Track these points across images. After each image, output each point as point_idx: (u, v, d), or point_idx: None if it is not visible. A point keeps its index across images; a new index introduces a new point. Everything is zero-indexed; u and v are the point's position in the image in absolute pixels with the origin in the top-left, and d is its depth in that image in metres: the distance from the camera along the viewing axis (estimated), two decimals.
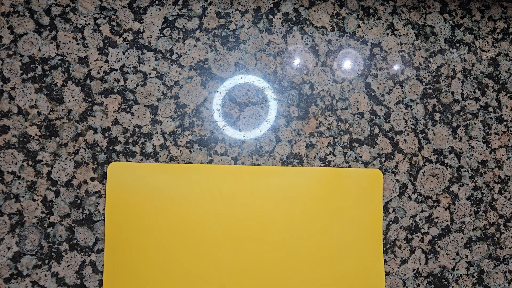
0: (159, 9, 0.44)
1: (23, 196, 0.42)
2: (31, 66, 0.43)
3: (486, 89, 0.48)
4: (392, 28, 0.47)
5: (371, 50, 0.47)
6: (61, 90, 0.43)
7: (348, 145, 0.46)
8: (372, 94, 0.46)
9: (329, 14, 0.46)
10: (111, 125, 0.43)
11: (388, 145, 0.46)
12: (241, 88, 0.45)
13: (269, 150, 0.45)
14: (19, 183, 0.42)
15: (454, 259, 0.46)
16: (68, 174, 0.42)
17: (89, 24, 0.44)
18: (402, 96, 0.47)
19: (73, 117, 0.43)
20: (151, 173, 0.43)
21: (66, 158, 0.42)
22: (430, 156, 0.47)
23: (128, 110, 0.44)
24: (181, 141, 0.44)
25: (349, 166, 0.45)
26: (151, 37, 0.44)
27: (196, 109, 0.44)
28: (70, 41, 0.43)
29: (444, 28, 0.48)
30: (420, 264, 0.46)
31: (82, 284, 0.42)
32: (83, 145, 0.43)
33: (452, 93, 0.47)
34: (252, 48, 0.45)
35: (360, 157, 0.46)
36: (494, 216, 0.47)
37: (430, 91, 0.47)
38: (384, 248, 0.45)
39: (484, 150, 0.47)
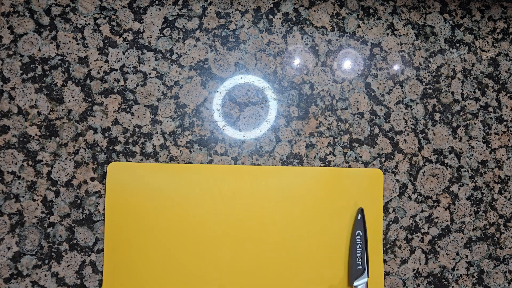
0: (159, 9, 0.44)
1: (23, 196, 0.42)
2: (31, 66, 0.43)
3: (486, 89, 0.48)
4: (392, 28, 0.47)
5: (371, 50, 0.47)
6: (61, 90, 0.43)
7: (348, 145, 0.46)
8: (372, 94, 0.46)
9: (329, 14, 0.46)
10: (111, 125, 0.43)
11: (388, 145, 0.46)
12: (241, 88, 0.45)
13: (269, 150, 0.45)
14: (19, 183, 0.42)
15: (454, 259, 0.46)
16: (68, 174, 0.42)
17: (89, 24, 0.44)
18: (402, 96, 0.47)
19: (73, 117, 0.43)
20: (150, 173, 0.43)
21: (66, 158, 0.42)
22: (430, 156, 0.47)
23: (128, 110, 0.44)
24: (181, 141, 0.44)
25: (349, 166, 0.45)
26: (151, 37, 0.44)
27: (196, 109, 0.44)
28: (70, 41, 0.43)
29: (444, 28, 0.48)
30: (420, 264, 0.46)
31: (82, 284, 0.42)
32: (83, 145, 0.43)
33: (452, 93, 0.47)
34: (252, 48, 0.45)
35: (360, 157, 0.46)
36: (494, 216, 0.47)
37: (430, 91, 0.47)
38: (384, 248, 0.45)
39: (484, 150, 0.47)
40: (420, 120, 0.47)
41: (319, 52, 0.46)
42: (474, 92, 0.48)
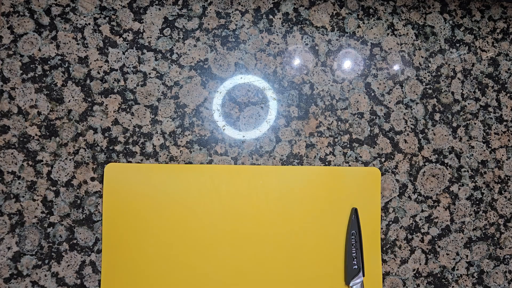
0: (159, 9, 0.44)
1: (23, 196, 0.42)
2: (31, 66, 0.43)
3: (486, 89, 0.48)
4: (392, 28, 0.47)
5: (371, 50, 0.47)
6: (61, 90, 0.43)
7: (348, 145, 0.46)
8: (372, 94, 0.46)
9: (329, 14, 0.46)
10: (111, 125, 0.43)
11: (388, 145, 0.46)
12: (241, 88, 0.45)
13: (269, 150, 0.45)
14: (19, 183, 0.42)
15: (454, 259, 0.46)
16: (68, 174, 0.42)
17: (89, 24, 0.44)
18: (402, 96, 0.47)
19: (73, 117, 0.43)
20: (148, 173, 0.43)
21: (66, 158, 0.42)
22: (430, 156, 0.47)
23: (128, 110, 0.44)
24: (181, 141, 0.44)
25: (349, 166, 0.45)
26: (151, 37, 0.44)
27: (196, 109, 0.44)
28: (70, 41, 0.43)
29: (444, 28, 0.48)
30: (420, 264, 0.46)
31: (82, 284, 0.42)
32: (83, 145, 0.43)
33: (452, 93, 0.47)
34: (252, 48, 0.45)
35: (360, 157, 0.46)
36: (494, 216, 0.47)
37: (430, 91, 0.47)
38: (384, 248, 0.45)
39: (484, 150, 0.47)
40: (420, 120, 0.47)
41: (319, 52, 0.46)
42: (474, 92, 0.48)
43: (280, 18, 0.46)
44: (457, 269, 0.46)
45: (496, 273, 0.47)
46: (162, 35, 0.44)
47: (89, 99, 0.43)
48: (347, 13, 0.47)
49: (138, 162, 0.43)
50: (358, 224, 0.44)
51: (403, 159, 0.46)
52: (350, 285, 0.43)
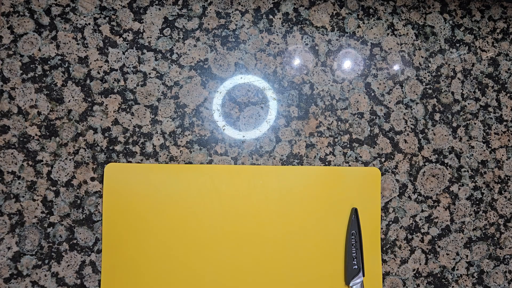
0: (159, 9, 0.44)
1: (23, 196, 0.42)
2: (31, 66, 0.43)
3: (486, 89, 0.48)
4: (392, 28, 0.47)
5: (371, 50, 0.47)
6: (61, 90, 0.43)
7: (348, 145, 0.46)
8: (372, 94, 0.46)
9: (329, 14, 0.46)
10: (111, 125, 0.43)
11: (388, 145, 0.46)
12: (241, 88, 0.45)
13: (269, 150, 0.45)
14: (19, 183, 0.42)
15: (454, 259, 0.46)
16: (68, 174, 0.42)
17: (89, 24, 0.44)
18: (402, 96, 0.47)
19: (73, 117, 0.43)
20: (148, 173, 0.43)
21: (66, 158, 0.42)
22: (430, 156, 0.47)
23: (128, 110, 0.44)
24: (181, 141, 0.44)
25: (349, 166, 0.45)
26: (151, 37, 0.44)
27: (196, 109, 0.44)
28: (70, 41, 0.43)
29: (444, 28, 0.48)
30: (420, 264, 0.46)
31: (82, 284, 0.42)
32: (83, 145, 0.43)
33: (452, 93, 0.47)
34: (252, 48, 0.45)
35: (360, 157, 0.46)
36: (494, 216, 0.47)
37: (430, 91, 0.47)
38: (384, 248, 0.45)
39: (484, 150, 0.47)
40: (420, 120, 0.47)
41: (319, 52, 0.46)
42: (474, 92, 0.48)
43: (280, 18, 0.46)
44: (457, 269, 0.46)
45: (496, 273, 0.47)
46: (162, 35, 0.44)
47: (89, 99, 0.43)
48: (347, 13, 0.47)
49: (138, 162, 0.43)
50: (358, 224, 0.44)
51: (403, 159, 0.46)
52: (350, 285, 0.43)
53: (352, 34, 0.47)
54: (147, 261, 0.42)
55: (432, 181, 0.46)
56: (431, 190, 0.46)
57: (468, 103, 0.47)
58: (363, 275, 0.43)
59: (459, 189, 0.47)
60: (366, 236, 0.44)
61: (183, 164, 0.43)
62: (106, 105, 0.43)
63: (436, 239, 0.46)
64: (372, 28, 0.47)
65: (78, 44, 0.43)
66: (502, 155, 0.48)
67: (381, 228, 0.45)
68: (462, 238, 0.46)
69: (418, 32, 0.47)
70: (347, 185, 0.45)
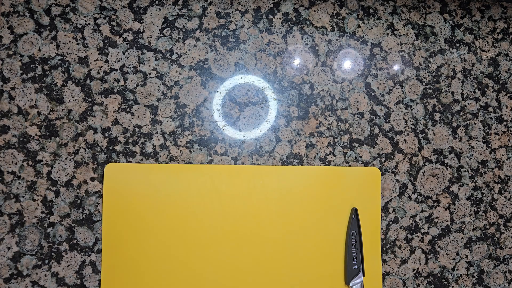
0: (159, 9, 0.44)
1: (23, 196, 0.42)
2: (31, 66, 0.43)
3: (486, 89, 0.48)
4: (392, 28, 0.47)
5: (371, 50, 0.47)
6: (61, 90, 0.43)
7: (348, 145, 0.46)
8: (372, 94, 0.46)
9: (329, 14, 0.46)
10: (111, 125, 0.43)
11: (388, 145, 0.46)
12: (241, 88, 0.45)
13: (269, 150, 0.45)
14: (19, 183, 0.42)
15: (454, 259, 0.46)
16: (68, 174, 0.42)
17: (89, 24, 0.44)
18: (402, 96, 0.47)
19: (73, 117, 0.43)
20: (148, 173, 0.43)
21: (66, 158, 0.42)
22: (430, 156, 0.47)
23: (128, 110, 0.44)
24: (181, 141, 0.44)
25: (349, 166, 0.45)
26: (151, 37, 0.44)
27: (196, 109, 0.44)
28: (70, 41, 0.43)
29: (444, 28, 0.48)
30: (420, 264, 0.46)
31: (82, 284, 0.42)
32: (83, 145, 0.43)
33: (452, 93, 0.47)
34: (252, 48, 0.45)
35: (360, 157, 0.46)
36: (494, 216, 0.47)
37: (430, 91, 0.47)
38: (384, 248, 0.45)
39: (484, 150, 0.47)
40: (420, 120, 0.47)
41: (319, 52, 0.46)
42: (474, 92, 0.48)
43: (280, 18, 0.46)
44: (457, 269, 0.46)
45: (496, 273, 0.47)
46: (162, 35, 0.44)
47: (89, 99, 0.43)
48: (347, 13, 0.47)
49: (138, 162, 0.43)
50: (358, 224, 0.44)
51: (403, 159, 0.46)
52: (350, 285, 0.43)
53: (352, 34, 0.47)
54: (147, 261, 0.42)
55: (432, 181, 0.46)
56: (431, 190, 0.46)
57: (468, 103, 0.47)
58: (363, 275, 0.43)
59: (459, 189, 0.47)
60: (366, 236, 0.44)
61: (183, 164, 0.43)
62: (106, 105, 0.43)
63: (436, 239, 0.46)
64: (372, 28, 0.47)
65: (78, 44, 0.43)
66: (502, 155, 0.48)
67: (381, 228, 0.45)
68: (462, 238, 0.46)
69: (418, 32, 0.47)
70: (347, 185, 0.45)
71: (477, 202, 0.47)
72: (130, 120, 0.43)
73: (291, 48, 0.46)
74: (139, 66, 0.44)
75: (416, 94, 0.47)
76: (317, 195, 0.44)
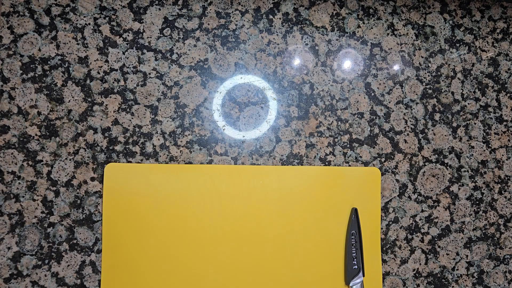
0: (159, 9, 0.44)
1: (23, 196, 0.42)
2: (31, 66, 0.43)
3: (486, 89, 0.48)
4: (392, 28, 0.47)
5: (371, 50, 0.47)
6: (61, 90, 0.43)
7: (348, 145, 0.46)
8: (372, 94, 0.46)
9: (329, 14, 0.46)
10: (111, 125, 0.43)
11: (388, 145, 0.46)
12: (241, 88, 0.45)
13: (269, 150, 0.45)
14: (19, 183, 0.42)
15: (454, 259, 0.46)
16: (68, 174, 0.42)
17: (89, 24, 0.44)
18: (402, 96, 0.47)
19: (73, 117, 0.43)
20: (148, 173, 0.43)
21: (66, 158, 0.42)
22: (430, 156, 0.47)
23: (128, 110, 0.44)
24: (181, 141, 0.44)
25: (349, 166, 0.45)
26: (151, 37, 0.44)
27: (196, 109, 0.44)
28: (70, 41, 0.43)
29: (444, 28, 0.48)
30: (420, 264, 0.46)
31: (82, 284, 0.42)
32: (83, 145, 0.43)
33: (452, 93, 0.47)
34: (252, 48, 0.45)
35: (360, 157, 0.46)
36: (494, 216, 0.47)
37: (430, 91, 0.47)
38: (384, 248, 0.45)
39: (484, 150, 0.47)
40: (420, 120, 0.47)
41: (319, 52, 0.46)
42: (474, 92, 0.48)
43: (280, 18, 0.46)
44: (457, 269, 0.46)
45: (496, 273, 0.47)
46: (162, 35, 0.44)
47: (89, 99, 0.43)
48: (347, 13, 0.47)
49: (138, 162, 0.43)
50: (358, 224, 0.44)
51: (403, 159, 0.46)
52: (350, 285, 0.43)
53: (352, 34, 0.47)
54: (147, 261, 0.42)
55: (432, 181, 0.46)
56: (431, 190, 0.46)
57: (468, 103, 0.47)
58: (363, 275, 0.43)
59: (459, 189, 0.47)
60: (366, 236, 0.44)
61: (183, 164, 0.43)
62: (106, 105, 0.43)
63: (436, 239, 0.46)
64: (372, 28, 0.47)
65: (78, 44, 0.43)
66: (502, 155, 0.48)
67: (381, 228, 0.45)
68: (462, 238, 0.46)
69: (418, 32, 0.47)
70: (347, 185, 0.45)
71: (477, 202, 0.47)
72: (130, 120, 0.43)
73: (291, 48, 0.46)
74: (139, 66, 0.44)
75: (416, 94, 0.47)
76: (317, 195, 0.44)
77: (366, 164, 0.46)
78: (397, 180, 0.46)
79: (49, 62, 0.43)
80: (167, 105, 0.44)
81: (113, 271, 0.42)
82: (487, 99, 0.48)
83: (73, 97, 0.43)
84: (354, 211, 0.44)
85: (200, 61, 0.45)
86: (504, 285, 0.47)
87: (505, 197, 0.47)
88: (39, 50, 0.43)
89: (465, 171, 0.47)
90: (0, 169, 0.42)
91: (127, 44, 0.44)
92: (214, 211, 0.43)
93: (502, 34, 0.48)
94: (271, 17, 0.46)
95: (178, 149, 0.44)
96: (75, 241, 0.42)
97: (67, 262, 0.42)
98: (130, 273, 0.42)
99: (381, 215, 0.45)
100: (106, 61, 0.44)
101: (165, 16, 0.44)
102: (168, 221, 0.42)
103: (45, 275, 0.42)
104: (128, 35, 0.44)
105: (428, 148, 0.47)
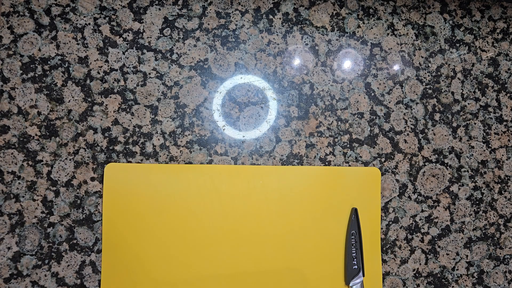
0: (159, 9, 0.44)
1: (23, 196, 0.42)
2: (31, 66, 0.43)
3: (486, 89, 0.48)
4: (392, 28, 0.47)
5: (371, 50, 0.47)
6: (61, 90, 0.43)
7: (348, 145, 0.46)
8: (372, 94, 0.46)
9: (329, 14, 0.46)
10: (111, 125, 0.43)
11: (388, 145, 0.46)
12: (241, 88, 0.45)
13: (269, 150, 0.45)
14: (19, 183, 0.42)
15: (454, 259, 0.46)
16: (68, 174, 0.42)
17: (89, 24, 0.44)
18: (402, 96, 0.47)
19: (73, 117, 0.43)
20: (148, 173, 0.43)
21: (66, 158, 0.42)
22: (430, 156, 0.47)
23: (128, 110, 0.44)
24: (181, 141, 0.44)
25: (349, 166, 0.45)
26: (151, 37, 0.44)
27: (196, 109, 0.44)
28: (70, 41, 0.43)
29: (444, 28, 0.48)
30: (420, 264, 0.46)
31: (82, 284, 0.42)
32: (83, 145, 0.43)
33: (452, 93, 0.47)
34: (252, 48, 0.45)
35: (360, 157, 0.46)
36: (494, 216, 0.47)
37: (430, 91, 0.47)
38: (384, 248, 0.45)
39: (484, 150, 0.47)
40: (420, 120, 0.47)
41: (319, 52, 0.46)
42: (474, 92, 0.48)
43: (280, 18, 0.46)
44: (457, 269, 0.46)
45: (496, 273, 0.47)
46: (162, 35, 0.44)
47: (89, 99, 0.43)
48: (347, 13, 0.47)
49: (138, 162, 0.43)
50: (358, 224, 0.44)
51: (403, 159, 0.46)
52: (350, 285, 0.43)
53: (352, 34, 0.47)
54: (147, 261, 0.42)
55: (432, 181, 0.46)
56: (431, 190, 0.46)
57: (468, 103, 0.47)
58: (363, 275, 0.43)
59: (459, 189, 0.47)
60: (366, 236, 0.44)
61: (183, 164, 0.43)
62: (106, 105, 0.43)
63: (436, 239, 0.46)
64: (372, 28, 0.47)
65: (78, 44, 0.43)
66: (502, 155, 0.48)
67: (381, 228, 0.45)
68: (462, 238, 0.46)
69: (418, 32, 0.47)
70: (347, 185, 0.45)
71: (477, 202, 0.47)
72: (130, 120, 0.43)
73: (291, 48, 0.46)
74: (139, 66, 0.44)
75: (416, 94, 0.47)
76: (317, 195, 0.44)
77: (366, 164, 0.46)
78: (397, 180, 0.46)
79: (49, 62, 0.43)
80: (167, 105, 0.44)
81: (113, 271, 0.42)
82: (487, 99, 0.48)
83: (73, 97, 0.43)
84: (354, 211, 0.44)
85: (200, 61, 0.45)
86: (504, 285, 0.47)
87: (505, 197, 0.47)
88: (39, 50, 0.43)
89: (465, 171, 0.47)
90: (0, 169, 0.42)
91: (127, 44, 0.44)
92: (214, 211, 0.43)
93: (502, 34, 0.48)
94: (271, 17, 0.46)
95: (178, 149, 0.44)
96: (75, 241, 0.42)
97: (67, 262, 0.42)
98: (130, 273, 0.42)
99: (381, 215, 0.45)
100: (106, 61, 0.44)
101: (165, 16, 0.44)
102: (168, 221, 0.42)
103: (45, 275, 0.42)
104: (128, 35, 0.44)
105: (428, 148, 0.47)
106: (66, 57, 0.43)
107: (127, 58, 0.44)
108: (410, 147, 0.46)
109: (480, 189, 0.47)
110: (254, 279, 0.43)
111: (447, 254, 0.46)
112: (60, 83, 0.43)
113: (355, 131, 0.46)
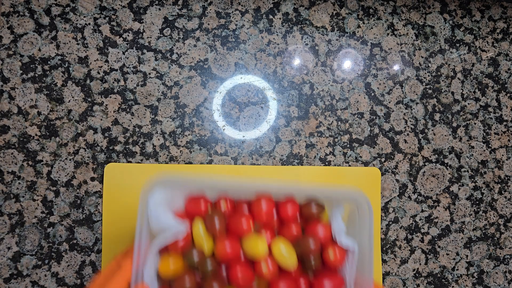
0: (159, 9, 0.44)
1: (23, 196, 0.42)
2: (31, 66, 0.43)
3: (486, 89, 0.48)
4: (392, 28, 0.47)
5: (371, 50, 0.47)
6: (61, 90, 0.43)
7: (348, 145, 0.46)
8: (372, 94, 0.46)
9: (329, 14, 0.46)
10: (111, 125, 0.43)
11: (388, 145, 0.46)
12: (241, 88, 0.45)
13: (269, 150, 0.45)
14: (19, 183, 0.42)
15: (454, 259, 0.46)
16: (68, 174, 0.42)
17: (89, 24, 0.44)
18: (402, 96, 0.47)
19: (73, 117, 0.43)
20: (148, 173, 0.43)
21: (66, 158, 0.42)
22: (430, 156, 0.47)
23: (128, 110, 0.44)
24: (181, 141, 0.44)
25: (349, 166, 0.45)
26: (151, 37, 0.44)
27: (196, 109, 0.44)
28: (70, 41, 0.43)
29: (444, 28, 0.48)
30: (420, 264, 0.46)
31: (82, 284, 0.42)
32: (83, 145, 0.43)
33: (452, 93, 0.47)
34: (252, 48, 0.45)
35: (360, 157, 0.46)
36: (494, 216, 0.47)
37: (430, 91, 0.47)
38: (384, 248, 0.45)
39: (484, 150, 0.47)
40: (420, 120, 0.47)
41: (319, 52, 0.46)
42: (474, 92, 0.48)
43: (280, 18, 0.46)
44: (457, 269, 0.46)
45: (496, 273, 0.47)
46: (162, 35, 0.44)
47: (89, 99, 0.43)
48: (347, 13, 0.47)
49: (138, 162, 0.43)
50: None
51: (403, 159, 0.46)
52: None
53: (352, 34, 0.47)
54: None
55: (432, 181, 0.46)
56: (431, 190, 0.46)
57: (468, 103, 0.47)
58: None
59: (459, 189, 0.47)
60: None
61: (183, 164, 0.43)
62: (106, 105, 0.43)
63: (436, 239, 0.46)
64: (372, 28, 0.47)
65: (78, 44, 0.43)
66: (502, 155, 0.48)
67: (381, 228, 0.45)
68: (462, 238, 0.46)
69: (418, 32, 0.47)
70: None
71: (477, 202, 0.47)
72: (130, 120, 0.43)
73: (291, 48, 0.46)
74: (139, 66, 0.44)
75: (416, 94, 0.47)
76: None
77: (366, 164, 0.46)
78: (397, 180, 0.46)
79: (49, 62, 0.43)
80: (167, 105, 0.44)
81: None
82: (487, 99, 0.48)
83: (73, 97, 0.43)
84: None
85: (200, 61, 0.45)
86: (504, 285, 0.47)
87: (505, 197, 0.47)
88: (39, 50, 0.43)
89: (465, 171, 0.47)
90: (0, 169, 0.42)
91: (127, 44, 0.44)
92: None
93: (502, 34, 0.48)
94: (271, 17, 0.46)
95: (178, 149, 0.44)
96: (75, 241, 0.42)
97: (67, 262, 0.42)
98: None
99: (381, 215, 0.45)
100: (106, 61, 0.44)
101: (165, 16, 0.44)
102: None
103: (45, 275, 0.42)
104: (128, 35, 0.44)
105: (428, 148, 0.47)
106: (66, 57, 0.43)
107: (127, 58, 0.44)
108: (410, 147, 0.46)
109: (480, 189, 0.47)
110: None
111: (447, 254, 0.46)
112: (60, 83, 0.43)
113: (355, 131, 0.46)
